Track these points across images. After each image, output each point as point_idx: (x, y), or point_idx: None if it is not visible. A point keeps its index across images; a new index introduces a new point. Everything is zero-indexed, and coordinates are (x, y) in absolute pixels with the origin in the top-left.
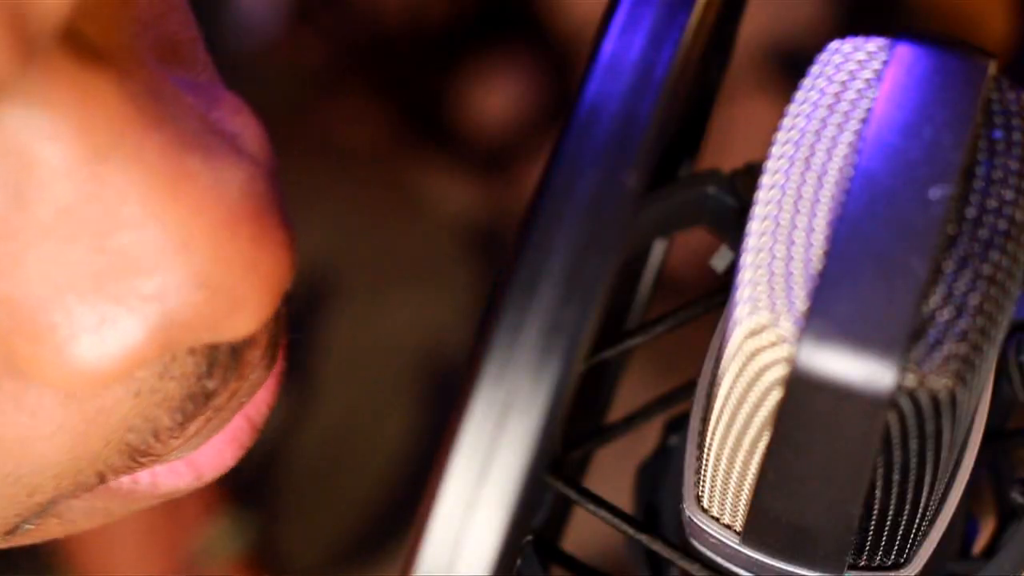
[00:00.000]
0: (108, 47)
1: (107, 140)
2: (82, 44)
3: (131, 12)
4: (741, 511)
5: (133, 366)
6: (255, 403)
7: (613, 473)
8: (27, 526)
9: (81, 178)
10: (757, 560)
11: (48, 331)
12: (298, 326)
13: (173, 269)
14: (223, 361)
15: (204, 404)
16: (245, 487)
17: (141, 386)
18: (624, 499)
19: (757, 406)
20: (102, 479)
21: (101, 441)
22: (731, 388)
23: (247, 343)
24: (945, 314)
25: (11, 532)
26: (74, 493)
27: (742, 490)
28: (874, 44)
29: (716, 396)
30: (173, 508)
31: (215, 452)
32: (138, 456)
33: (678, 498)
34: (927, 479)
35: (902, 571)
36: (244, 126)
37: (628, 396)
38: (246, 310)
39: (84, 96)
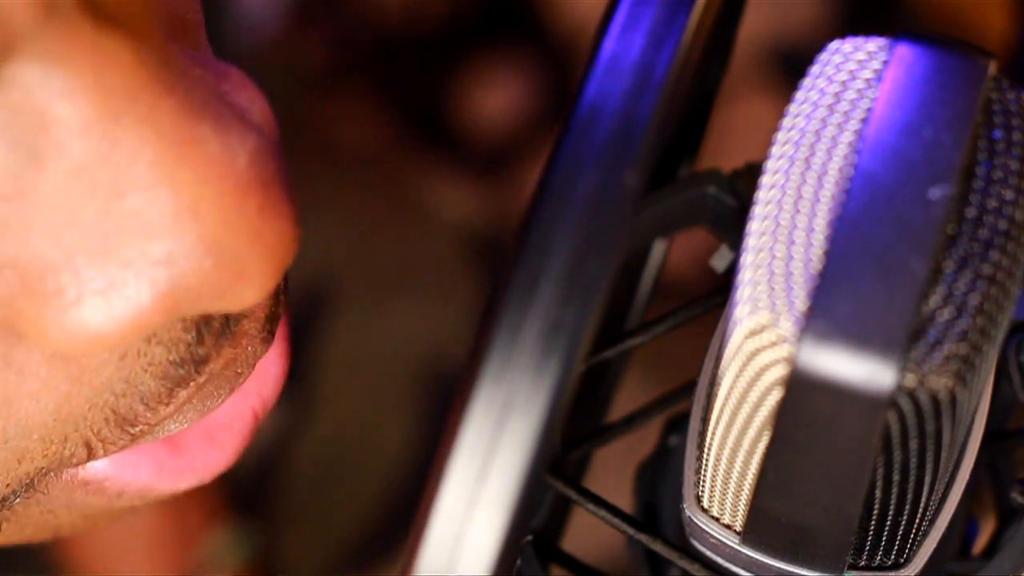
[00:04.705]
0: (123, 15)
1: (121, 101)
2: (99, 9)
3: None
4: (741, 511)
5: (138, 331)
6: (259, 395)
7: (613, 473)
8: (14, 500)
9: (95, 138)
10: (757, 560)
11: (55, 293)
12: (297, 333)
13: (182, 233)
14: (215, 328)
15: (195, 370)
16: (245, 495)
17: (127, 349)
18: (624, 499)
19: (757, 406)
20: (90, 451)
21: (85, 403)
22: (731, 388)
23: (243, 313)
24: (945, 314)
25: None
26: (62, 464)
27: (742, 490)
28: (874, 44)
29: (716, 396)
30: (178, 518)
31: (210, 444)
32: (127, 425)
33: (678, 498)
34: (927, 479)
35: (902, 571)
36: (251, 100)
37: (628, 396)
38: (251, 280)
39: (100, 57)
